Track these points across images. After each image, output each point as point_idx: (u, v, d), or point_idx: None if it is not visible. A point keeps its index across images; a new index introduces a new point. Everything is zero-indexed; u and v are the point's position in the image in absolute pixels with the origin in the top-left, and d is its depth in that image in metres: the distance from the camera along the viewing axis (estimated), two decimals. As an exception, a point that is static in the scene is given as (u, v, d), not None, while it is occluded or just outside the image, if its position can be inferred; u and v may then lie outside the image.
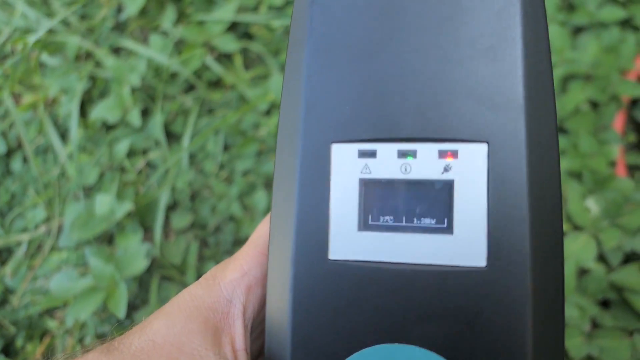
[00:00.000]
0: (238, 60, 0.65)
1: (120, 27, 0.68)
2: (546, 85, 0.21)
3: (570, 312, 0.48)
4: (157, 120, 0.61)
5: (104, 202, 0.57)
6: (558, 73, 0.57)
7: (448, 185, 0.21)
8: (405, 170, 0.22)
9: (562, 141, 0.55)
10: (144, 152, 0.62)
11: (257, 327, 0.25)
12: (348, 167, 0.22)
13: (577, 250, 0.49)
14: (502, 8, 0.21)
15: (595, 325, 0.49)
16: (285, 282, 0.22)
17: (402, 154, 0.22)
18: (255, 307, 0.24)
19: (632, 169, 0.56)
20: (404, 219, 0.22)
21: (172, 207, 0.60)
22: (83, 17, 0.69)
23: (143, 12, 0.66)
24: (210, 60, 0.63)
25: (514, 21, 0.21)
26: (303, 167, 0.23)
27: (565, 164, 0.54)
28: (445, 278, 0.21)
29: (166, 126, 0.63)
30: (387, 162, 0.22)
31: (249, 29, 0.66)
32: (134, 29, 0.66)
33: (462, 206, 0.21)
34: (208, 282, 0.24)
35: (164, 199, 0.57)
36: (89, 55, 0.66)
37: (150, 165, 0.62)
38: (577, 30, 0.61)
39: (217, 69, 0.63)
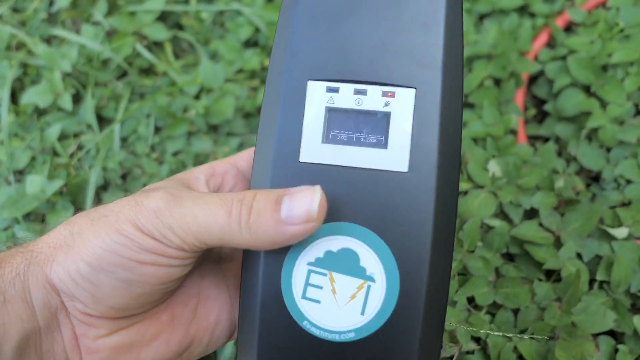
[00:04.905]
0: (168, 48, 0.67)
1: (52, 19, 0.70)
2: (458, 53, 0.31)
3: (476, 264, 0.53)
4: (88, 105, 0.63)
5: (34, 182, 0.59)
6: (464, 54, 0.63)
7: (387, 116, 0.30)
8: (358, 103, 0.31)
9: (468, 114, 0.60)
10: (76, 135, 0.64)
11: None
12: (318, 98, 0.31)
13: (478, 206, 0.54)
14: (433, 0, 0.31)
15: (500, 275, 0.54)
16: (267, 176, 0.31)
17: (357, 92, 0.31)
18: (215, 185, 0.36)
19: (531, 139, 0.62)
20: (354, 136, 0.31)
21: (104, 187, 0.61)
22: (15, 9, 0.70)
23: (74, 4, 0.69)
24: (141, 48, 0.66)
25: (440, 7, 0.30)
26: (285, 97, 0.31)
27: (470, 132, 0.58)
28: (380, 177, 0.30)
29: (98, 111, 0.64)
30: (346, 96, 0.31)
31: (179, 19, 0.69)
32: (65, 19, 0.68)
33: (395, 130, 0.30)
34: (187, 170, 0.36)
35: (94, 178, 0.59)
36: (21, 45, 0.68)
37: (82, 149, 0.64)
38: (482, 17, 0.67)
39: (148, 56, 0.66)
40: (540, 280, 0.53)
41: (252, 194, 0.29)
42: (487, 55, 0.63)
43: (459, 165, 0.31)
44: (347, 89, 0.31)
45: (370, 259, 0.30)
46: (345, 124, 0.31)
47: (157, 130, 0.64)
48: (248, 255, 0.31)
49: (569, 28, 0.65)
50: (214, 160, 0.37)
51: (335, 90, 0.31)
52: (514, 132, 0.61)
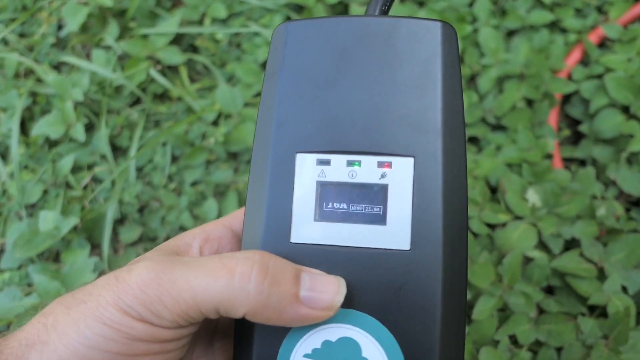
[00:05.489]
0: (183, 72, 0.65)
1: (61, 44, 0.67)
2: (458, 116, 0.28)
3: (517, 300, 0.50)
4: (102, 134, 0.60)
5: (48, 218, 0.56)
6: (494, 74, 0.60)
7: (384, 189, 0.27)
8: (352, 175, 0.28)
9: (500, 137, 0.58)
10: (90, 167, 0.61)
11: None
12: (308, 171, 0.28)
13: (518, 238, 0.51)
14: (428, 58, 0.28)
15: (541, 311, 0.51)
16: None
17: (350, 163, 0.28)
18: (210, 252, 0.31)
19: (567, 162, 0.59)
20: (349, 213, 0.28)
21: (120, 221, 0.59)
22: (22, 35, 0.68)
23: (84, 28, 0.66)
24: (155, 73, 0.63)
25: (435, 67, 0.27)
26: (273, 171, 0.28)
27: (504, 158, 0.56)
28: (380, 258, 0.27)
29: (112, 140, 0.62)
30: (339, 169, 0.28)
31: (193, 41, 0.67)
32: (75, 44, 0.65)
33: (394, 204, 0.27)
34: (176, 237, 0.32)
35: (110, 213, 0.56)
36: (29, 72, 0.65)
37: (96, 181, 0.61)
38: (510, 33, 0.64)
39: (162, 81, 0.63)
40: (583, 315, 0.51)
41: (265, 255, 0.26)
42: (519, 75, 0.60)
43: (467, 240, 0.28)
44: (339, 160, 0.28)
45: (373, 348, 0.27)
46: (339, 200, 0.28)
47: (174, 159, 0.61)
48: (239, 347, 0.28)
49: (603, 44, 0.62)
50: (204, 224, 0.33)
51: (327, 162, 0.28)
52: (549, 155, 0.58)
